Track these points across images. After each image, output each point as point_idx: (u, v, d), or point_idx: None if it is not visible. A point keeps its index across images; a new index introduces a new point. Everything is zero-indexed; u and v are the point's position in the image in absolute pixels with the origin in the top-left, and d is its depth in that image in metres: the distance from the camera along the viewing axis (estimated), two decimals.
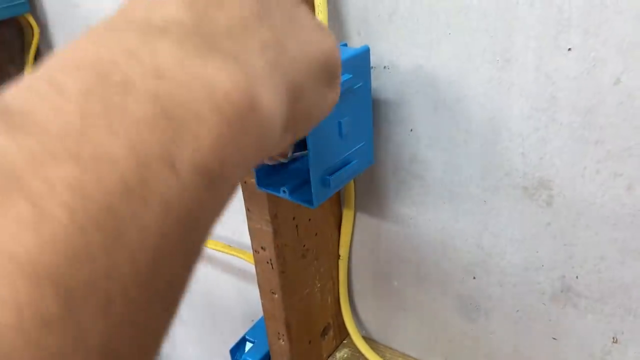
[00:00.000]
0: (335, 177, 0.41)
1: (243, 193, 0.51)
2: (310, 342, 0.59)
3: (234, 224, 0.71)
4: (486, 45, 0.41)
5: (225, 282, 0.80)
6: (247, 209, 0.51)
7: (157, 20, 0.16)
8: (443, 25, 0.42)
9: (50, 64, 0.15)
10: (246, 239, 0.66)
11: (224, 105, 0.15)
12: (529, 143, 0.42)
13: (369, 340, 0.63)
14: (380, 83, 0.48)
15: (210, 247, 0.70)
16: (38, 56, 0.80)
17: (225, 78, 0.16)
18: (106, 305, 0.13)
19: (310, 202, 0.40)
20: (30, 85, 0.14)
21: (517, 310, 0.50)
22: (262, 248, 0.52)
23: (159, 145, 0.14)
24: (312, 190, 0.40)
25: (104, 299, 0.13)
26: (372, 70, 0.47)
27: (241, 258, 0.67)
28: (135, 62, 0.15)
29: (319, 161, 0.40)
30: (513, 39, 0.39)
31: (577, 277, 0.45)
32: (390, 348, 0.63)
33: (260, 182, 0.44)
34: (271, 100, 0.17)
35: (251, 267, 0.68)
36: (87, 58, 0.14)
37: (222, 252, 0.69)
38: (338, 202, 0.56)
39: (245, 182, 0.48)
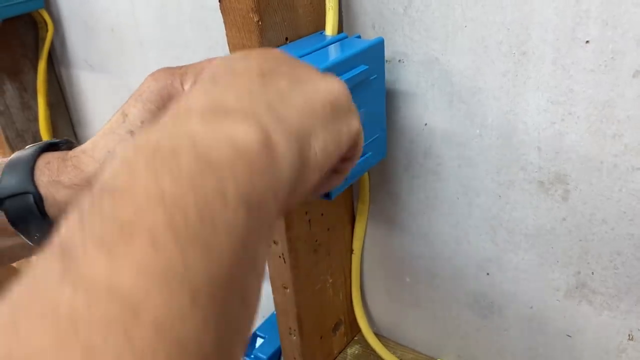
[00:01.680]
0: None
1: None
2: (321, 337, 0.59)
3: None
4: (502, 38, 0.41)
5: None
6: None
7: (183, 110, 0.22)
8: (459, 18, 0.42)
9: (127, 151, 0.20)
10: None
11: (244, 151, 0.20)
12: (545, 137, 0.42)
13: (380, 336, 0.63)
14: (395, 76, 0.47)
15: None
16: (52, 51, 0.81)
17: (242, 132, 0.21)
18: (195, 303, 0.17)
19: (327, 194, 0.40)
20: (122, 162, 0.20)
21: (531, 307, 0.50)
22: (274, 242, 0.52)
23: (212, 187, 0.19)
24: None
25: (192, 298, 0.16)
26: (386, 64, 0.47)
27: None
28: (177, 138, 0.20)
29: None
30: (530, 32, 0.39)
31: (592, 273, 0.45)
32: (402, 345, 0.62)
33: None
34: (282, 142, 0.22)
35: None
36: (148, 143, 0.20)
37: None
38: (350, 197, 0.56)
39: None
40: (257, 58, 0.27)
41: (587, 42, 0.37)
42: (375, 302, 0.63)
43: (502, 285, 0.51)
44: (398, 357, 0.60)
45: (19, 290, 0.16)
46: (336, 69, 0.38)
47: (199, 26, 0.60)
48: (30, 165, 0.34)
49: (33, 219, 0.34)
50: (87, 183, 0.34)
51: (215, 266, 0.18)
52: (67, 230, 0.17)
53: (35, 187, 0.34)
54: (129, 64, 0.71)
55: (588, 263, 0.45)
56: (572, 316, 0.48)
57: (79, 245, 0.17)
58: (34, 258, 0.24)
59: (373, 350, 0.61)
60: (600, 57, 0.37)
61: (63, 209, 0.34)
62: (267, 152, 0.21)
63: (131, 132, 0.35)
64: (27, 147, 0.36)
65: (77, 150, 0.36)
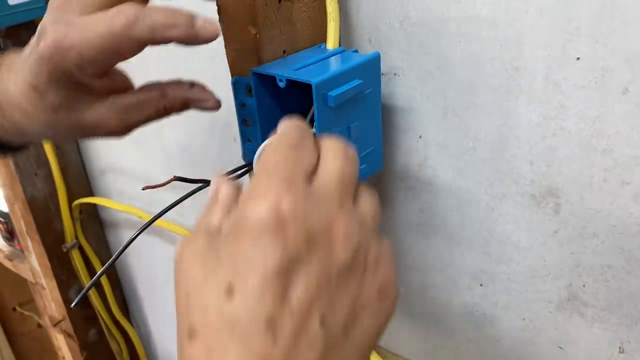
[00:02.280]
0: None
1: None
2: None
3: None
4: (496, 54, 0.41)
5: None
6: None
7: None
8: (454, 33, 0.43)
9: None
10: None
11: None
12: (537, 151, 0.42)
13: (375, 347, 0.63)
14: (391, 90, 0.48)
15: None
16: None
17: None
18: None
19: None
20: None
21: (523, 319, 0.50)
22: None
23: None
24: None
25: None
26: (382, 77, 0.48)
27: None
28: None
29: None
30: (522, 48, 0.40)
31: (583, 285, 0.45)
32: (396, 355, 0.63)
33: None
34: None
35: None
36: None
37: None
38: None
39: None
40: (321, 283, 0.25)
41: (578, 58, 0.38)
42: None
43: (494, 297, 0.51)
44: None
45: None
46: (332, 82, 0.39)
47: None
48: None
49: None
50: None
51: None
52: None
53: None
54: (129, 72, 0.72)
55: (579, 276, 0.45)
56: (564, 328, 0.48)
57: None
58: None
59: None
60: (590, 74, 0.38)
61: None
62: None
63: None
64: None
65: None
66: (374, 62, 0.43)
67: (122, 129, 0.38)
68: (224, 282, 0.24)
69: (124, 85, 0.39)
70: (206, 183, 0.42)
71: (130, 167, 0.84)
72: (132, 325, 1.07)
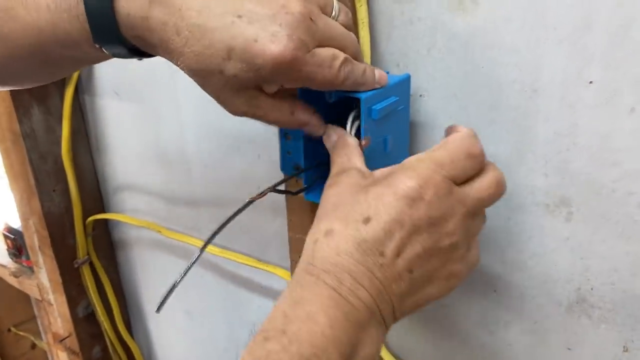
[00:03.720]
0: None
1: (287, 206, 0.56)
2: None
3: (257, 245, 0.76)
4: (516, 77, 0.47)
5: (249, 300, 0.83)
6: (289, 220, 0.56)
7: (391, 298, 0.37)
8: (478, 58, 0.48)
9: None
10: (269, 257, 0.71)
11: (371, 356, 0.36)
12: (552, 165, 0.47)
13: (393, 354, 0.67)
14: (416, 109, 0.53)
15: (240, 262, 0.74)
16: (79, 80, 0.86)
17: (377, 344, 0.36)
18: None
19: None
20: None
21: (535, 322, 0.55)
22: (299, 257, 0.57)
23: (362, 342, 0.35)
24: None
25: None
26: (410, 97, 0.53)
27: (270, 272, 0.71)
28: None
29: None
30: (541, 72, 0.45)
31: (591, 288, 0.50)
32: None
33: (308, 192, 0.49)
34: (391, 321, 0.38)
35: (277, 283, 0.72)
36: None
37: (252, 266, 0.73)
38: None
39: (290, 195, 0.53)
40: (425, 252, 0.37)
41: (591, 82, 0.43)
42: None
43: (508, 302, 0.55)
44: None
45: None
46: (376, 98, 0.43)
47: None
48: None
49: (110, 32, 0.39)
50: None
51: None
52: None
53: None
54: (158, 93, 0.77)
55: (588, 279, 0.50)
56: (572, 330, 0.53)
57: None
58: None
59: None
60: (602, 95, 0.43)
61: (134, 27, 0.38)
62: (385, 328, 0.37)
63: None
64: None
65: None
66: (406, 82, 0.48)
67: (237, 112, 0.42)
68: (366, 212, 0.37)
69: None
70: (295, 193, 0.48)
71: (148, 184, 0.88)
72: (136, 343, 1.08)
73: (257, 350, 0.33)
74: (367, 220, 0.36)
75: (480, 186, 0.40)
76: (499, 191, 0.40)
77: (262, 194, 0.44)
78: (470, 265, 0.42)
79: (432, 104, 0.52)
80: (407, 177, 0.37)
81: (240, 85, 0.39)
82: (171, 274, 0.94)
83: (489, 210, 0.52)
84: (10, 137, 0.85)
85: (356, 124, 0.44)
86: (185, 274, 0.44)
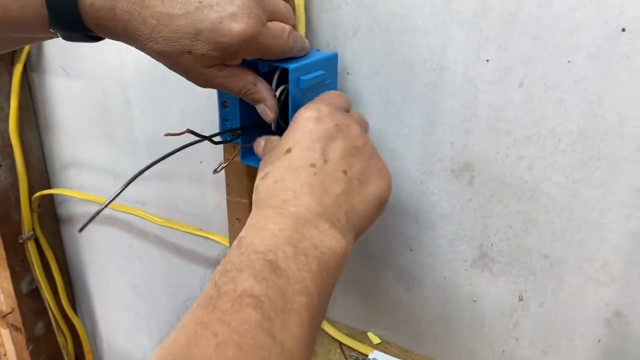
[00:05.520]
0: None
1: (225, 171, 0.61)
2: None
3: (201, 216, 0.80)
4: (427, 57, 0.53)
5: (193, 272, 0.88)
6: (228, 185, 0.61)
7: (304, 217, 0.40)
8: (395, 41, 0.55)
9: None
10: (211, 229, 0.75)
11: (337, 259, 0.39)
12: (457, 133, 0.54)
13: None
14: (344, 85, 0.59)
15: (183, 230, 0.79)
16: (28, 58, 0.88)
17: (341, 244, 0.39)
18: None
19: None
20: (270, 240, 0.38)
21: (445, 277, 0.62)
22: (237, 219, 0.62)
23: (323, 287, 0.37)
24: None
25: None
26: (338, 75, 0.59)
27: (210, 238, 0.76)
28: (305, 241, 0.38)
29: None
30: (447, 52, 0.52)
31: (491, 244, 0.57)
32: (338, 322, 0.73)
33: (244, 157, 0.55)
34: (351, 244, 0.41)
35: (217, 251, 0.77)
36: (287, 237, 0.38)
37: (193, 234, 0.78)
38: None
39: (228, 161, 0.58)
40: (346, 151, 0.43)
41: (487, 60, 0.50)
42: None
43: (422, 260, 0.62)
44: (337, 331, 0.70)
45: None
46: (304, 69, 0.49)
47: None
48: None
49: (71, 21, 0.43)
50: None
51: (318, 326, 0.37)
52: (250, 285, 0.33)
53: None
54: (106, 70, 0.80)
55: (488, 236, 0.57)
56: (477, 283, 0.60)
57: (265, 308, 0.33)
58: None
59: None
60: (496, 72, 0.50)
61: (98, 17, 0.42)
62: (345, 257, 0.40)
63: None
64: None
65: None
66: (334, 58, 0.54)
67: (207, 85, 0.47)
68: (286, 146, 0.43)
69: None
70: (210, 139, 0.51)
71: (94, 161, 0.91)
72: (80, 320, 1.10)
73: (218, 272, 0.36)
74: (289, 150, 0.43)
75: (354, 112, 0.49)
76: (365, 122, 0.51)
77: (181, 133, 0.48)
78: (381, 158, 0.47)
79: (358, 81, 0.59)
80: (303, 111, 0.44)
81: (208, 62, 0.44)
82: (116, 251, 0.97)
83: (406, 178, 0.59)
84: None
85: (282, 87, 0.50)
86: (112, 200, 0.48)
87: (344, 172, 0.42)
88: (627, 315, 0.53)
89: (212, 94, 0.61)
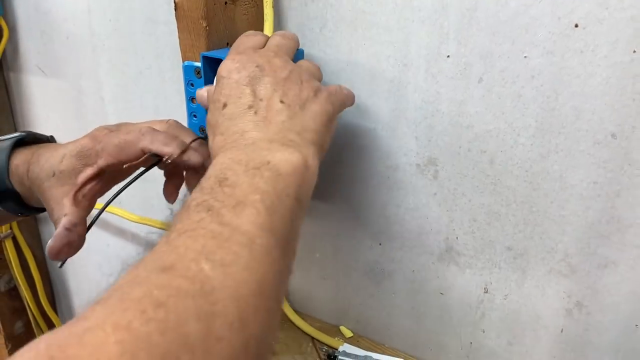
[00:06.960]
0: None
1: None
2: None
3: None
4: (391, 53, 0.54)
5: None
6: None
7: (253, 141, 0.41)
8: (360, 37, 0.56)
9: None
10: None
11: (296, 168, 0.38)
12: (421, 129, 0.55)
13: (291, 310, 0.73)
14: None
15: (158, 227, 0.80)
16: (4, 57, 0.88)
17: (295, 158, 0.38)
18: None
19: None
20: (226, 168, 0.38)
21: (413, 271, 0.63)
22: None
23: (282, 187, 0.36)
24: None
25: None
26: None
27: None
28: (259, 159, 0.38)
29: None
30: (409, 48, 0.53)
31: (457, 237, 0.58)
32: (310, 316, 0.73)
33: None
34: (314, 157, 0.41)
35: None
36: (241, 160, 0.38)
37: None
38: None
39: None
40: (275, 85, 0.44)
41: (448, 56, 0.51)
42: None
43: (390, 253, 0.63)
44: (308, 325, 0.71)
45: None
46: None
47: (149, 37, 0.71)
48: (6, 155, 0.53)
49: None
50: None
51: (284, 225, 0.35)
52: (201, 199, 0.34)
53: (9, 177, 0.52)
54: (81, 69, 0.81)
55: (453, 230, 0.58)
56: (444, 276, 0.61)
57: (216, 208, 0.33)
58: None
59: (288, 319, 0.71)
60: (457, 68, 0.51)
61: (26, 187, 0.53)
62: (306, 167, 0.39)
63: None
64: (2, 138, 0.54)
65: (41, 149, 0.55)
66: (299, 55, 0.55)
67: None
68: (220, 102, 0.44)
69: None
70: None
71: None
72: (59, 318, 1.11)
73: (183, 211, 0.35)
74: (225, 105, 0.44)
75: (270, 42, 0.50)
76: (286, 38, 0.51)
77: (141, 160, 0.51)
78: (315, 81, 0.47)
79: (325, 77, 0.59)
80: (223, 66, 0.46)
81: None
82: (95, 249, 0.98)
83: (374, 172, 0.60)
84: None
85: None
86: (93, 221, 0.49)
87: (281, 101, 0.43)
88: (587, 306, 0.54)
89: (184, 93, 0.62)
